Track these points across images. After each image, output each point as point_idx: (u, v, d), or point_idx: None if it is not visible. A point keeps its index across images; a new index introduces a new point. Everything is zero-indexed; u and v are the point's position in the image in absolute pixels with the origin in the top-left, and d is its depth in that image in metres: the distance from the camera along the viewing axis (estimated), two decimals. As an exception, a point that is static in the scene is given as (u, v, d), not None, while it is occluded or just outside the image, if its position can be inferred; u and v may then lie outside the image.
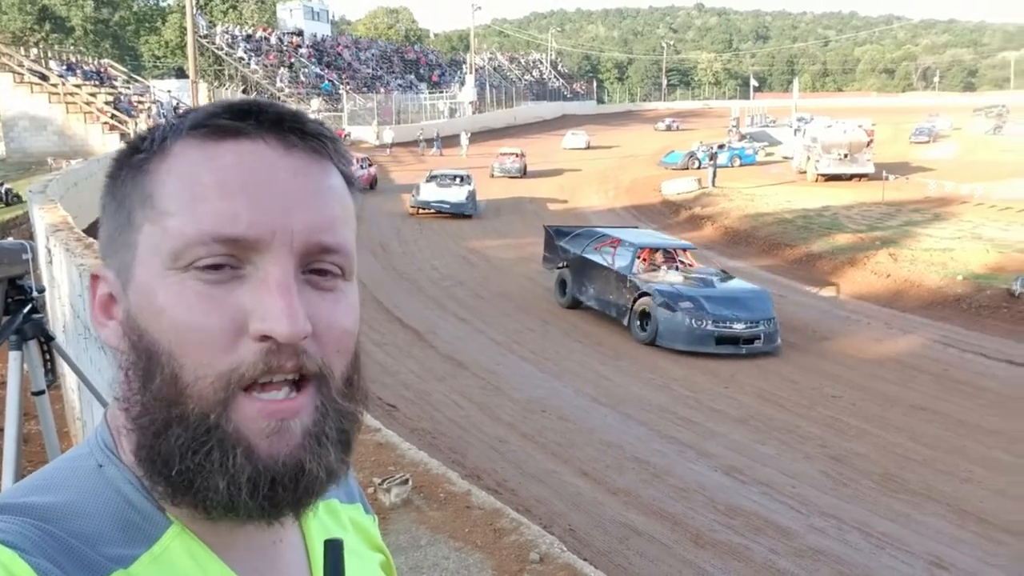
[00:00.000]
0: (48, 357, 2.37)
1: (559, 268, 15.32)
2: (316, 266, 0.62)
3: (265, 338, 0.58)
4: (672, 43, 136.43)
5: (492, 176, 32.49)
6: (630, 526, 6.78)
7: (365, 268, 17.29)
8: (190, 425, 0.58)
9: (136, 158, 0.63)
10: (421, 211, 24.33)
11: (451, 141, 42.38)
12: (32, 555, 0.52)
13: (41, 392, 2.39)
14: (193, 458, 0.58)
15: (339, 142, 0.66)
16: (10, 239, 2.71)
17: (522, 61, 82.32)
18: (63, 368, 3.23)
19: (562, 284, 15.11)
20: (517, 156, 34.37)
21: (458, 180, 25.67)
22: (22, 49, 37.25)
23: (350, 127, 42.52)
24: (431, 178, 25.78)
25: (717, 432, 9.20)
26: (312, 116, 0.66)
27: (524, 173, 33.44)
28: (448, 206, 24.02)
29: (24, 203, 22.15)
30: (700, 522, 6.94)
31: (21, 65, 32.50)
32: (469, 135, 42.64)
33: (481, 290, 16.19)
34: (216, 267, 0.58)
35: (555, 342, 12.76)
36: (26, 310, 2.25)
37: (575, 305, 14.67)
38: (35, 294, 2.28)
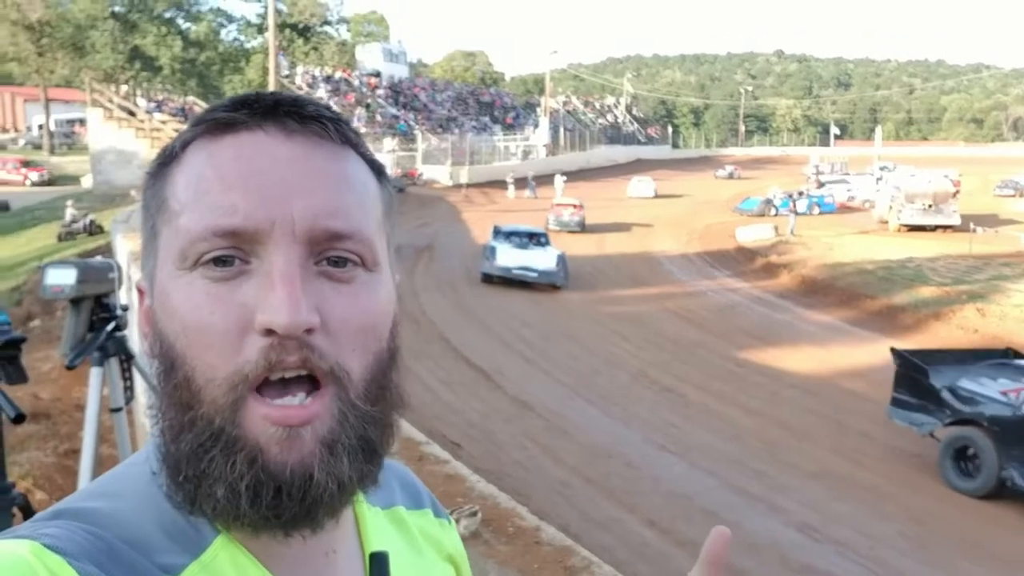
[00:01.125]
0: (128, 375, 2.41)
1: (948, 425, 9.42)
2: (331, 255, 0.59)
3: (269, 332, 0.55)
4: (750, 89, 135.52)
5: (546, 229, 27.17)
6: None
7: (434, 307, 17.45)
8: (198, 430, 0.57)
9: (155, 166, 0.64)
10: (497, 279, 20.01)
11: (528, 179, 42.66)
12: (79, 560, 0.51)
13: (119, 409, 2.43)
14: (197, 464, 0.56)
15: (347, 124, 0.64)
16: (98, 258, 2.80)
17: (597, 105, 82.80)
18: (138, 388, 3.30)
19: (962, 454, 9.15)
20: (576, 208, 30.40)
21: (537, 239, 21.64)
22: (113, 86, 39.28)
23: (424, 166, 43.26)
24: (501, 235, 21.45)
25: (791, 486, 8.88)
26: (355, 126, 0.64)
27: (583, 227, 29.55)
28: (535, 274, 19.70)
29: (106, 233, 23.22)
30: (771, 580, 6.67)
31: (111, 101, 34.24)
32: (565, 178, 41.33)
33: (548, 331, 16.12)
34: (223, 262, 0.57)
35: (623, 387, 12.58)
36: (110, 328, 2.31)
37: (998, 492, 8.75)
38: (119, 312, 2.33)
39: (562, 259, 20.36)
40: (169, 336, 0.59)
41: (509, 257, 20.19)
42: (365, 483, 0.61)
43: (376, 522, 0.72)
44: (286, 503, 0.56)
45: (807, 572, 6.85)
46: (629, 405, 11.59)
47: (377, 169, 0.66)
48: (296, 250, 0.57)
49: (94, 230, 24.34)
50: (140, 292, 0.66)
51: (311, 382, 0.57)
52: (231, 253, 0.57)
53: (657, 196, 42.58)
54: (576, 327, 16.56)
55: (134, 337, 2.65)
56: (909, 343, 16.16)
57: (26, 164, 43.38)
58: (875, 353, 15.30)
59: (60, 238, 23.71)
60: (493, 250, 20.44)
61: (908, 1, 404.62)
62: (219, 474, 0.56)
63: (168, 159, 0.62)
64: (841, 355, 15.15)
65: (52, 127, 54.20)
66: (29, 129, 60.77)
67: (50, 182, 40.53)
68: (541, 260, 20.21)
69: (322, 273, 0.58)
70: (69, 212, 25.19)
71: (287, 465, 0.56)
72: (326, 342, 0.57)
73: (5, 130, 64.42)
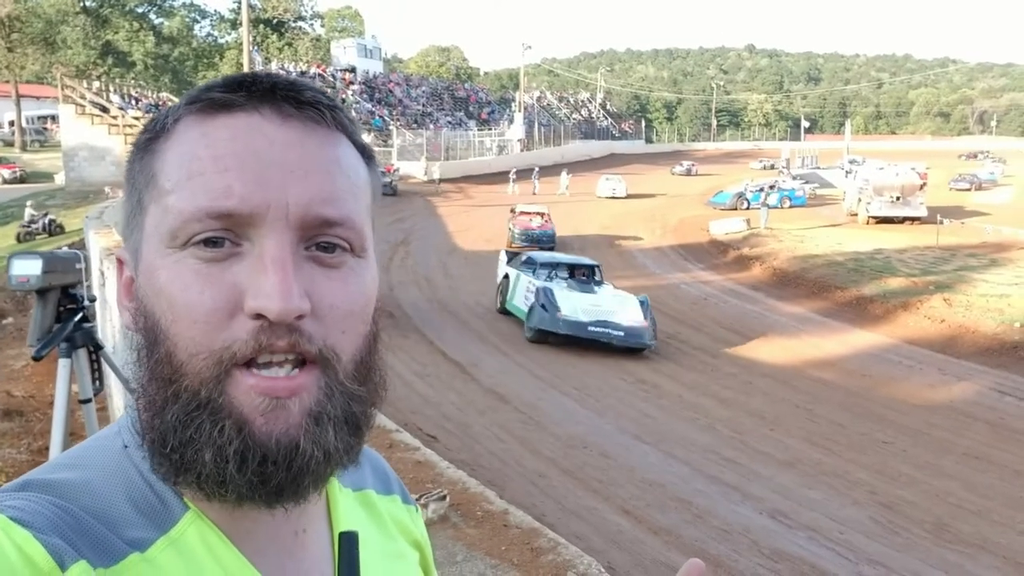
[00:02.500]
0: (96, 366, 2.41)
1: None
2: (321, 240, 0.59)
3: (259, 316, 0.56)
4: (722, 84, 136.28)
5: (509, 245, 23.75)
6: (671, 566, 6.62)
7: (410, 301, 17.42)
8: (183, 401, 0.57)
9: (143, 139, 0.63)
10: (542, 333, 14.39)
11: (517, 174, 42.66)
12: (45, 533, 0.52)
13: (88, 400, 2.43)
14: (184, 432, 0.57)
15: (341, 110, 0.64)
16: (64, 248, 2.79)
17: (571, 100, 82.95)
18: (109, 379, 3.29)
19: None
20: (543, 217, 25.56)
21: (591, 275, 16.35)
22: (85, 82, 38.71)
23: (399, 162, 43.15)
24: (539, 268, 16.17)
25: (763, 474, 8.98)
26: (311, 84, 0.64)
27: (553, 241, 24.79)
28: (621, 334, 13.91)
29: (68, 233, 22.93)
30: (744, 565, 6.75)
31: (83, 97, 33.74)
32: (570, 173, 40.64)
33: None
34: (214, 243, 0.57)
35: (597, 379, 12.64)
36: (77, 318, 2.30)
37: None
38: (86, 303, 2.33)
39: (647, 309, 14.57)
40: (155, 312, 0.59)
41: (576, 306, 14.32)
42: (350, 456, 0.62)
43: (346, 503, 0.72)
44: (272, 470, 0.57)
45: (779, 557, 6.94)
46: (603, 397, 11.65)
47: (367, 155, 0.66)
48: (288, 235, 0.58)
49: (54, 230, 23.98)
50: (120, 262, 0.66)
51: (298, 360, 0.58)
52: (222, 235, 0.57)
53: (629, 196, 38.98)
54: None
55: (102, 327, 2.64)
56: (879, 333, 16.44)
57: (-2, 161, 42.70)
58: (845, 343, 15.53)
59: (19, 238, 23.16)
60: (549, 294, 14.38)
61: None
62: (207, 439, 0.56)
63: (157, 133, 0.62)
64: (812, 345, 15.35)
65: (24, 124, 53.33)
66: (0, 126, 59.75)
67: (22, 179, 39.87)
68: (623, 312, 14.37)
69: (312, 258, 0.59)
70: (28, 212, 24.62)
71: (272, 435, 0.57)
72: (315, 326, 0.58)
73: (-28, 127, 63.27)
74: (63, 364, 2.33)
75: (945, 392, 12.73)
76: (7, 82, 52.46)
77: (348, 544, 0.65)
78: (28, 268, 2.20)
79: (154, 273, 0.59)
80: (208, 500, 0.60)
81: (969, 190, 41.61)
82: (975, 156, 70.95)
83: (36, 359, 2.23)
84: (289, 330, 0.56)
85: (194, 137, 0.59)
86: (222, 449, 0.56)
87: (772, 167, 55.85)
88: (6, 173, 40.51)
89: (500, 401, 11.10)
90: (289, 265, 0.57)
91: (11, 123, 55.22)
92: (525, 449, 9.21)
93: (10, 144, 53.53)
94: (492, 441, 9.39)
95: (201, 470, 0.57)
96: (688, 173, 55.29)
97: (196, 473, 0.57)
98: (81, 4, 52.42)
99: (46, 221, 24.24)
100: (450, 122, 58.79)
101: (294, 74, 51.33)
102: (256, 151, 0.58)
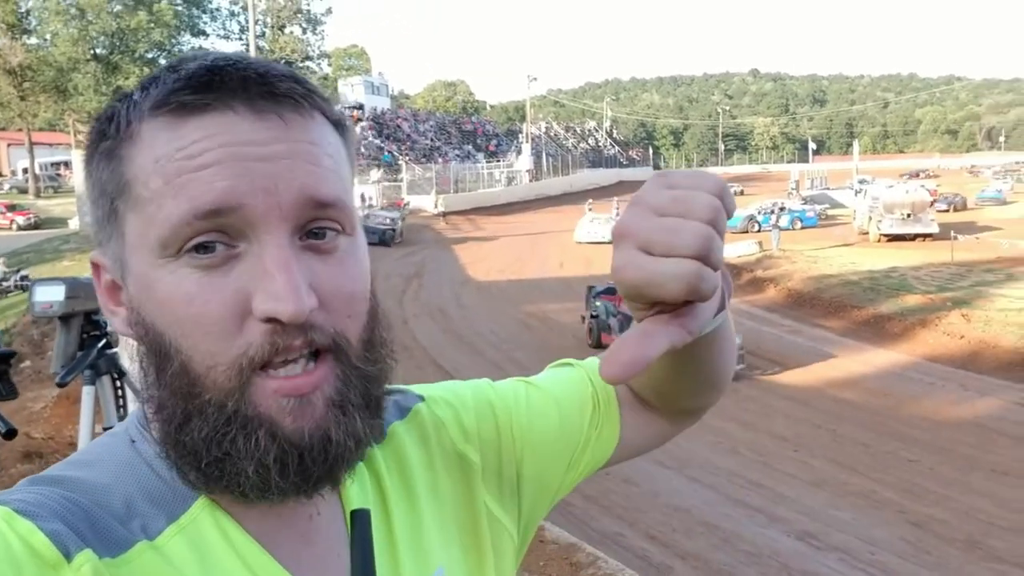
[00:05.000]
0: (120, 393, 2.38)
1: None
2: (313, 227, 0.58)
3: (270, 319, 0.55)
4: (728, 108, 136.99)
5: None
6: (700, 592, 6.51)
7: (425, 333, 17.40)
8: (209, 416, 0.56)
9: (104, 145, 0.60)
10: None
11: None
12: (49, 523, 0.51)
13: (112, 428, 2.40)
14: (219, 448, 0.56)
15: (315, 90, 0.61)
16: (88, 275, 2.78)
17: (578, 129, 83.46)
18: (131, 405, 3.26)
19: None
20: None
21: None
22: (96, 128, 39.29)
23: (409, 196, 43.38)
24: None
25: (789, 496, 8.85)
26: (283, 68, 0.60)
27: None
28: None
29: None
30: (774, 589, 6.63)
31: (94, 143, 34.24)
32: (618, 204, 38.28)
33: (541, 353, 16.09)
34: (207, 248, 0.55)
35: (616, 404, 12.54)
36: (100, 344, 2.28)
37: None
38: (109, 329, 2.31)
39: None
40: (158, 326, 0.57)
41: None
42: (375, 436, 0.62)
43: (358, 478, 0.69)
44: (311, 467, 0.57)
45: (810, 580, 6.83)
46: (623, 423, 11.55)
47: (342, 126, 0.64)
48: (284, 229, 0.56)
49: (26, 287, 23.38)
50: (96, 266, 0.64)
51: (312, 353, 0.57)
52: (214, 238, 0.55)
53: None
54: (567, 348, 16.53)
55: (121, 351, 2.63)
56: (898, 351, 16.28)
57: (12, 208, 43.12)
58: (865, 362, 15.37)
59: None
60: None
61: (879, 16, 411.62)
62: (244, 453, 0.56)
63: (120, 139, 0.58)
64: (831, 365, 15.20)
65: (37, 171, 54.01)
66: (14, 173, 60.57)
67: (36, 225, 40.26)
68: None
69: (307, 247, 0.58)
70: (0, 269, 22.78)
71: (304, 431, 0.56)
72: (323, 316, 0.57)
73: (-11, 175, 64.27)
74: (87, 392, 2.30)
75: (969, 408, 12.55)
76: (20, 130, 53.23)
77: (360, 523, 0.63)
78: (51, 294, 2.19)
79: (151, 286, 0.57)
80: (244, 501, 0.59)
81: (948, 211, 41.07)
82: (978, 172, 71.06)
83: (60, 385, 2.21)
84: (302, 329, 0.56)
85: (165, 140, 0.56)
86: (262, 460, 0.56)
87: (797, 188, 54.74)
88: (21, 220, 40.96)
89: (519, 430, 11.02)
90: (293, 263, 0.55)
91: (25, 170, 55.93)
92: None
93: (24, 191, 54.17)
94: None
95: (244, 481, 0.56)
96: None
97: (237, 483, 0.57)
98: (91, 52, 53.27)
99: (17, 278, 23.55)
100: (458, 155, 59.19)
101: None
102: (234, 148, 0.56)
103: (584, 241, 30.97)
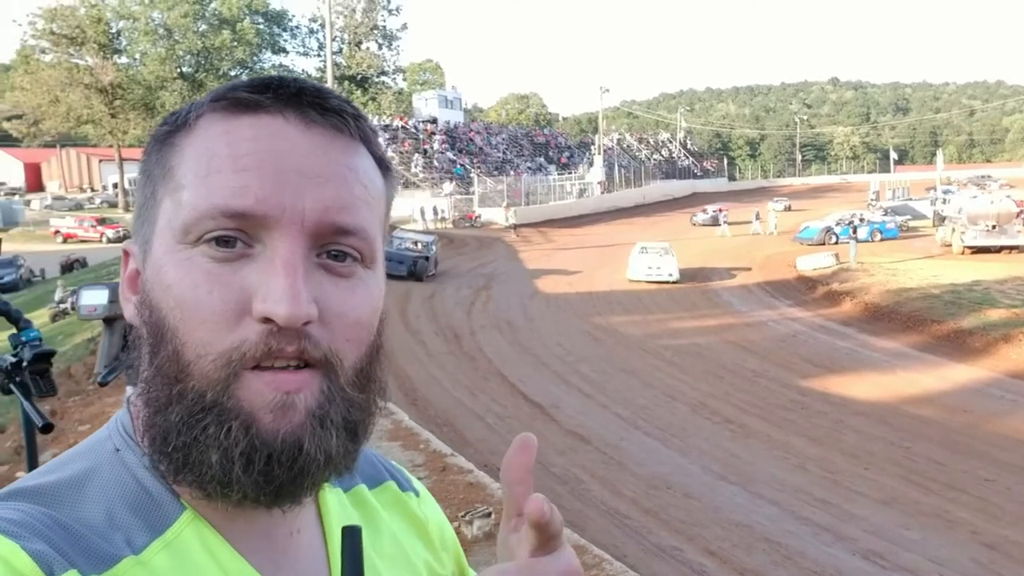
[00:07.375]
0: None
1: None
2: (332, 248, 0.59)
3: (267, 320, 0.56)
4: (806, 118, 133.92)
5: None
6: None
7: (491, 344, 17.53)
8: (187, 402, 0.57)
9: (163, 131, 0.63)
10: None
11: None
12: (32, 543, 0.51)
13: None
14: (189, 433, 0.56)
15: (365, 119, 0.64)
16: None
17: (651, 140, 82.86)
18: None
19: None
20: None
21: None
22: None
23: (480, 209, 43.66)
24: None
25: (857, 514, 8.63)
26: (339, 95, 0.63)
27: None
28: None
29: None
30: (836, 609, 6.49)
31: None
32: (787, 203, 37.23)
33: (606, 366, 16.05)
34: (226, 242, 0.57)
35: (682, 418, 12.43)
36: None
37: None
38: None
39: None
40: (161, 309, 0.58)
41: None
42: (347, 462, 0.62)
43: (337, 503, 0.72)
44: (276, 471, 0.57)
45: (874, 601, 6.66)
46: (688, 436, 11.43)
47: (385, 167, 0.66)
48: (301, 240, 0.57)
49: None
50: (126, 254, 0.66)
51: (302, 363, 0.58)
52: (235, 235, 0.57)
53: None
54: (634, 361, 16.45)
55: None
56: (979, 367, 15.66)
57: (102, 222, 45.31)
58: (943, 378, 14.85)
59: (53, 319, 21.11)
60: None
61: (964, 23, 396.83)
62: (213, 441, 0.56)
63: (178, 127, 0.62)
64: (908, 381, 14.72)
65: (126, 185, 56.50)
66: (104, 188, 63.54)
67: (124, 238, 42.18)
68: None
69: (322, 265, 0.59)
70: (58, 292, 22.80)
71: (279, 433, 0.57)
72: (320, 331, 0.58)
73: (82, 190, 67.58)
74: (130, 391, 2.45)
75: (1054, 428, 12.00)
76: (111, 146, 55.81)
77: (351, 538, 0.62)
78: (96, 298, 2.35)
79: (163, 268, 0.59)
80: (208, 499, 0.59)
81: None
82: None
83: (101, 384, 2.36)
84: (298, 335, 0.57)
85: (216, 134, 0.59)
86: (228, 451, 0.56)
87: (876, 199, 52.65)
88: (110, 232, 42.96)
89: (581, 442, 11.02)
90: (300, 270, 0.57)
91: (115, 185, 58.62)
92: (605, 489, 9.10)
93: (114, 205, 56.76)
94: (572, 482, 9.32)
95: (206, 471, 0.57)
96: (714, 223, 43.65)
97: (199, 473, 0.57)
98: (178, 70, 55.52)
99: (75, 299, 24.01)
100: (530, 167, 59.44)
101: (378, 127, 53.22)
102: (277, 154, 0.58)
103: (639, 279, 25.60)
